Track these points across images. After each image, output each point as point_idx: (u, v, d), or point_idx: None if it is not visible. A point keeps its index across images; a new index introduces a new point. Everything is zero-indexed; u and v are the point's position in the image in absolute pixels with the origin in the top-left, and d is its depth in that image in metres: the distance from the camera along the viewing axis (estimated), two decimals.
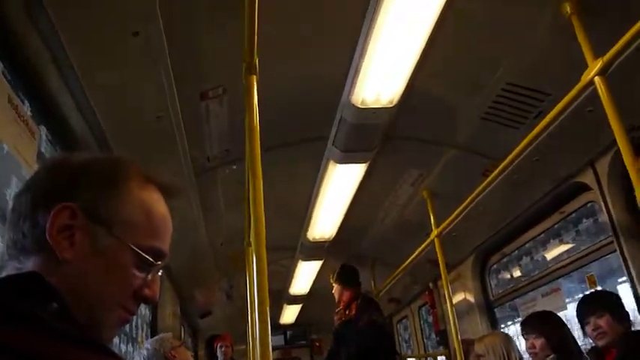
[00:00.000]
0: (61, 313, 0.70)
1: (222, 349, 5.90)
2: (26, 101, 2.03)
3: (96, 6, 1.81)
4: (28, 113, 2.01)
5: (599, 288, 3.50)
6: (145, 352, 2.61)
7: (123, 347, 3.67)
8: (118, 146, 2.56)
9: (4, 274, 0.75)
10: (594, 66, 2.12)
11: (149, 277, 0.80)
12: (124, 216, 0.78)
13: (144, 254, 0.78)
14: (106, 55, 2.00)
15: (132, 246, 0.77)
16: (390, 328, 4.13)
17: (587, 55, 2.15)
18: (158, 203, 0.84)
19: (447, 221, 3.78)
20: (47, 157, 2.11)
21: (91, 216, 0.75)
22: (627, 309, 2.59)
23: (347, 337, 4.03)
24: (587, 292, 2.88)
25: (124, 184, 0.80)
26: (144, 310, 4.56)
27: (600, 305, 2.52)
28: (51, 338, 0.62)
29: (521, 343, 3.53)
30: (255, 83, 1.87)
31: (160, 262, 0.82)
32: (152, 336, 4.55)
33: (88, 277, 0.75)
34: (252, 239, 1.67)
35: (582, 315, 2.59)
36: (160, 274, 0.84)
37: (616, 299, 2.56)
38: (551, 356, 2.68)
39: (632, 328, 2.59)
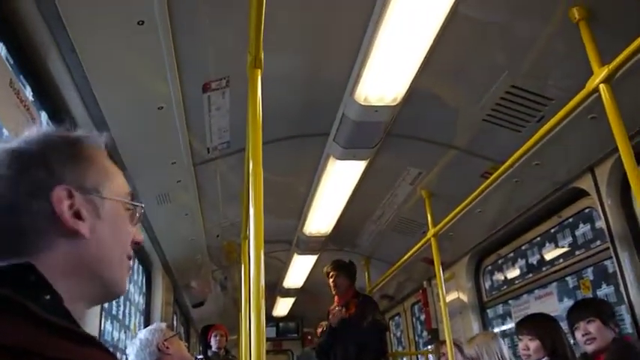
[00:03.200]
0: (54, 305, 0.71)
1: (217, 338, 5.95)
2: (27, 86, 2.01)
3: None
4: (30, 99, 1.99)
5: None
6: (137, 342, 2.61)
7: (116, 334, 3.67)
8: (119, 134, 2.55)
9: None
10: (599, 73, 2.12)
11: (137, 217, 0.90)
12: (101, 179, 0.84)
13: (131, 202, 0.88)
14: (110, 44, 1.99)
15: (120, 199, 0.86)
16: (388, 329, 4.20)
17: (594, 62, 2.14)
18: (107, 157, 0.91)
19: (445, 221, 3.79)
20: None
21: (83, 189, 0.81)
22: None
23: (345, 336, 4.06)
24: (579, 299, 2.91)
25: (85, 153, 0.85)
26: (137, 297, 4.56)
27: (590, 311, 2.54)
28: (43, 332, 0.62)
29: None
30: (259, 77, 1.87)
31: (140, 203, 0.91)
32: (145, 324, 4.57)
33: (105, 242, 0.82)
34: (251, 232, 1.67)
35: (572, 320, 2.61)
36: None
37: (607, 306, 2.58)
38: (544, 359, 2.69)
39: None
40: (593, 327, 2.49)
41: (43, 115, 2.16)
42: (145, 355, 2.56)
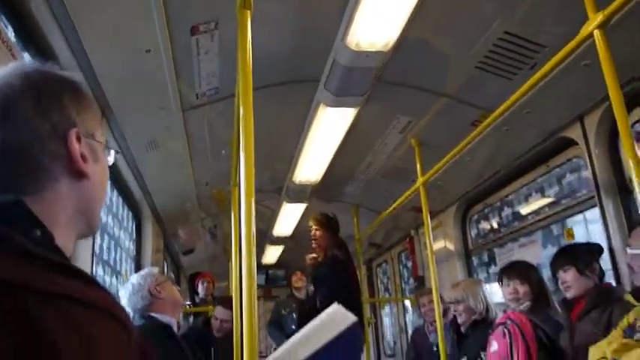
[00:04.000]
0: (45, 241, 0.71)
1: (204, 285, 6.04)
2: (9, 26, 1.95)
3: None
4: (12, 39, 1.93)
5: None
6: (129, 286, 2.62)
7: (107, 279, 3.72)
8: (106, 78, 2.50)
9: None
10: (595, 19, 2.08)
11: (110, 163, 0.92)
12: (96, 123, 0.87)
13: (109, 147, 0.91)
14: None
15: (103, 143, 0.88)
16: (352, 265, 4.20)
17: (589, 7, 2.11)
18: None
19: (434, 170, 3.80)
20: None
21: (86, 133, 0.83)
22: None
23: (319, 280, 4.10)
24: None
25: (86, 97, 0.86)
26: (128, 243, 4.59)
27: (566, 259, 2.60)
28: (37, 267, 0.62)
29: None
30: (249, 18, 1.83)
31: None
32: (136, 270, 4.61)
33: (99, 185, 0.85)
34: (241, 179, 1.67)
35: (552, 268, 2.68)
36: None
37: (584, 254, 2.61)
38: (526, 303, 2.78)
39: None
40: (569, 275, 2.56)
41: (26, 57, 2.10)
42: (137, 299, 2.58)
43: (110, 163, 0.93)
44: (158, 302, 2.57)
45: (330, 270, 3.97)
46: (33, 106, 0.78)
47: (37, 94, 0.79)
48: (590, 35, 2.12)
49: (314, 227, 4.29)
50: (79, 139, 0.81)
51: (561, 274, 2.59)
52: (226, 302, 4.25)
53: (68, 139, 0.79)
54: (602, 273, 2.58)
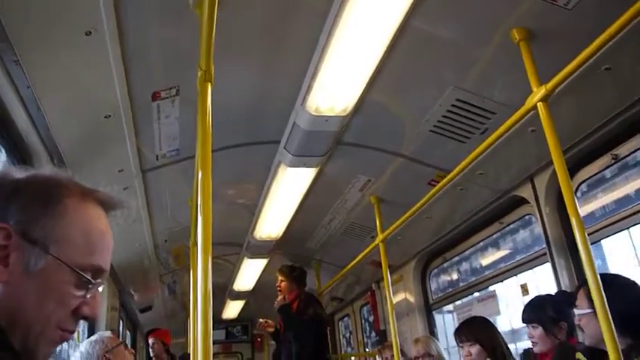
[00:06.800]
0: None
1: (151, 346, 5.82)
2: None
3: (49, 3, 1.75)
4: None
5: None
6: (78, 354, 2.53)
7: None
8: (64, 142, 2.48)
9: None
10: (538, 92, 2.22)
11: (88, 295, 0.79)
12: (61, 235, 0.77)
13: (82, 273, 0.77)
14: (57, 54, 1.94)
15: (69, 265, 0.76)
16: (331, 325, 4.36)
17: (533, 81, 2.25)
18: (97, 220, 0.83)
19: (393, 227, 3.87)
20: None
21: (27, 236, 0.74)
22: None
23: (290, 321, 4.17)
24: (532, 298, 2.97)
25: (61, 202, 0.78)
26: None
27: (535, 316, 2.64)
28: None
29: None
30: (209, 90, 1.87)
31: (99, 280, 0.81)
32: (90, 330, 4.43)
33: (23, 298, 0.73)
34: (199, 239, 1.68)
35: (523, 320, 2.72)
36: (100, 290, 0.83)
37: (552, 310, 2.61)
38: None
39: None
40: (536, 332, 2.60)
41: None
42: None
43: (84, 294, 0.78)
44: None
45: (313, 328, 4.14)
46: None
47: None
48: (535, 107, 2.26)
49: (280, 278, 4.38)
50: (8, 237, 0.73)
51: (530, 329, 2.64)
52: None
53: None
54: (571, 328, 2.54)
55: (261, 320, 4.54)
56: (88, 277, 0.78)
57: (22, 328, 0.73)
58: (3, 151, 2.26)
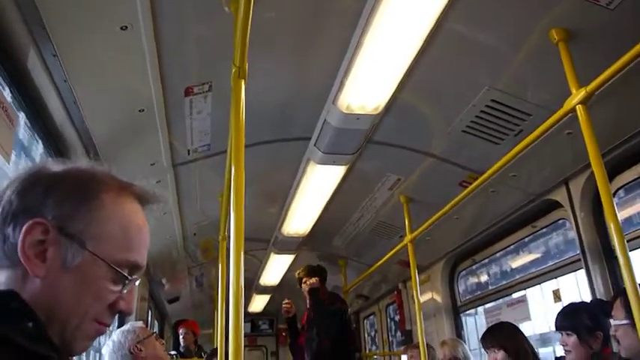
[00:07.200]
0: (37, 333, 0.70)
1: (182, 336, 5.91)
2: (6, 87, 1.98)
3: None
4: (9, 100, 1.96)
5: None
6: (111, 343, 2.57)
7: None
8: (98, 134, 2.53)
9: None
10: (577, 94, 2.16)
11: (125, 290, 0.80)
12: (98, 231, 0.76)
13: (119, 269, 0.77)
14: (93, 49, 1.97)
15: (106, 261, 0.76)
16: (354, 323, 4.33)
17: (572, 82, 2.19)
18: (134, 214, 0.83)
19: (422, 227, 3.83)
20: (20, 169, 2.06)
21: (64, 231, 0.74)
22: None
23: (318, 305, 4.13)
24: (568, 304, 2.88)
25: (98, 197, 0.78)
26: None
27: (570, 324, 2.55)
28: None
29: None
30: (243, 87, 1.87)
31: (135, 276, 0.81)
32: (120, 319, 4.52)
33: (61, 293, 0.74)
34: (231, 234, 1.68)
35: (556, 327, 2.64)
36: (136, 284, 0.83)
37: (587, 318, 2.51)
38: None
39: None
40: (570, 340, 2.51)
41: (22, 116, 2.13)
42: (118, 357, 2.51)
43: (120, 289, 0.79)
44: None
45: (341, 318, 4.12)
46: (13, 188, 0.78)
47: (25, 177, 0.79)
48: (573, 109, 2.19)
49: (305, 279, 4.32)
50: (46, 232, 0.73)
51: (564, 337, 2.55)
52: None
53: (25, 226, 0.73)
54: (607, 338, 2.43)
55: (287, 301, 4.43)
56: (125, 274, 0.78)
57: (59, 322, 0.73)
58: (40, 142, 2.31)
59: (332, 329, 4.09)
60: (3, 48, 1.82)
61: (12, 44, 1.83)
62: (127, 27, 1.90)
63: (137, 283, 0.83)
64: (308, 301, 4.24)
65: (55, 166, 0.81)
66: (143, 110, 2.44)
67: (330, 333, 4.07)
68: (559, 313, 2.70)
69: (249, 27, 1.64)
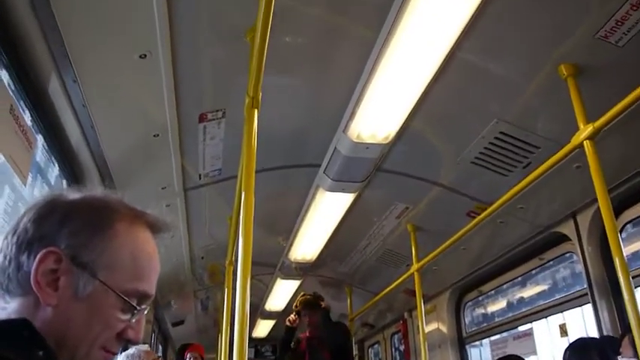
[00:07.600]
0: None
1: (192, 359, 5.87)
2: (27, 111, 2.03)
3: (106, 26, 1.84)
4: (29, 123, 2.01)
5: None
6: None
7: None
8: (113, 158, 2.57)
9: None
10: (585, 129, 2.19)
11: (133, 319, 0.80)
12: (110, 260, 0.78)
13: (128, 300, 0.78)
14: (112, 75, 2.03)
15: (116, 291, 0.77)
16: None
17: (580, 118, 2.22)
18: (145, 243, 0.84)
19: (429, 257, 3.84)
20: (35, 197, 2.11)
21: (76, 261, 0.75)
22: None
23: (325, 319, 4.06)
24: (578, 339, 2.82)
25: (111, 227, 0.80)
26: None
27: (578, 358, 2.51)
28: None
29: None
30: (256, 116, 1.92)
31: (144, 306, 0.82)
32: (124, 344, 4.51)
33: (71, 321, 0.75)
34: (239, 258, 1.71)
35: None
36: (145, 313, 0.84)
37: (596, 355, 2.45)
38: None
39: None
40: None
41: (40, 139, 2.18)
42: None
43: (129, 318, 0.79)
44: None
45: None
46: (30, 216, 0.79)
47: (40, 206, 0.80)
48: (581, 144, 2.22)
49: (304, 312, 4.21)
50: (58, 261, 0.75)
51: None
52: None
53: (39, 254, 0.74)
54: None
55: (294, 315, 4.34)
56: (134, 304, 0.79)
57: (69, 349, 0.75)
58: (56, 164, 2.36)
59: (337, 340, 4.01)
60: (27, 73, 1.88)
61: (35, 70, 1.89)
62: (145, 55, 1.96)
63: (145, 312, 0.84)
64: (308, 320, 4.17)
65: (71, 194, 0.83)
66: (158, 135, 2.50)
67: (335, 344, 4.00)
68: (567, 348, 2.67)
69: (264, 58, 1.69)
